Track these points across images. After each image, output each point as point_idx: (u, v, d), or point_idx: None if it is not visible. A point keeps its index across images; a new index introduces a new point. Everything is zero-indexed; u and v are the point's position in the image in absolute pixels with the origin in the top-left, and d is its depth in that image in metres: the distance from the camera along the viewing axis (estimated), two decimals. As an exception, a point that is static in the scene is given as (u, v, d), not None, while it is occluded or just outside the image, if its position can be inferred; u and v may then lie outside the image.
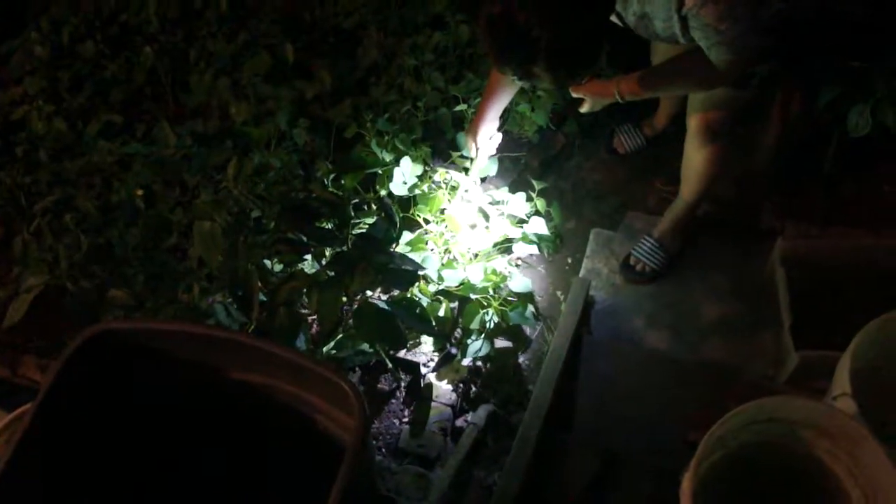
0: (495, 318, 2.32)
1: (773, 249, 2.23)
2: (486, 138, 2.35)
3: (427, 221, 2.51)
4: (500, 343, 2.33)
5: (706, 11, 1.57)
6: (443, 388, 2.27)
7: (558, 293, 2.49)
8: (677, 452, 1.86)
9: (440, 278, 2.35)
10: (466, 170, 2.54)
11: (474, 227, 2.50)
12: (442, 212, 2.51)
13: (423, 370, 2.33)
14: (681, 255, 2.45)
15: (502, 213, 2.54)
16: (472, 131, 2.35)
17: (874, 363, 1.77)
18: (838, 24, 2.15)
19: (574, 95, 2.03)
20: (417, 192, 2.52)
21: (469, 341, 2.29)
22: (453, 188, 2.53)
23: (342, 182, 2.49)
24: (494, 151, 2.46)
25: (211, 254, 1.97)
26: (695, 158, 2.18)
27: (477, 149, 2.40)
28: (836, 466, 1.63)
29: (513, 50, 1.55)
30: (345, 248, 2.08)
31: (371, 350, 2.22)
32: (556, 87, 1.77)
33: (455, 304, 2.38)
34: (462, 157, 2.56)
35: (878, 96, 2.14)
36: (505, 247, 2.52)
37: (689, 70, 1.81)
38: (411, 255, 2.29)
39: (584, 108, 2.05)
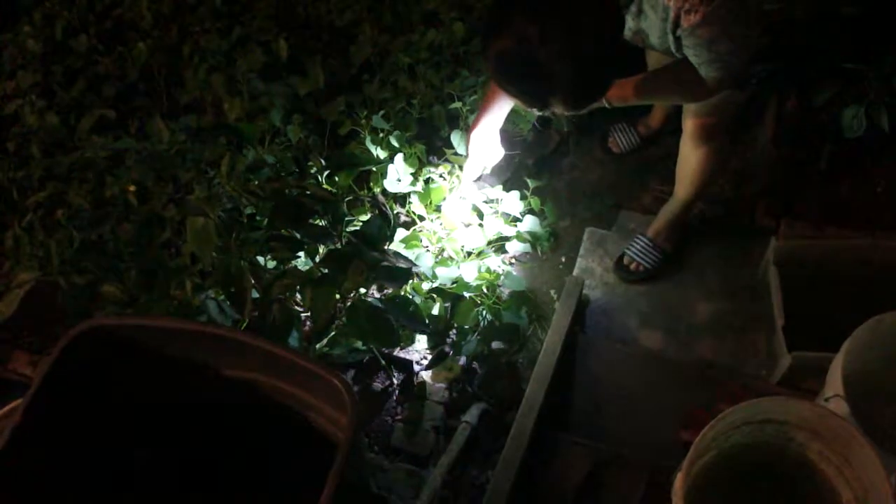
0: (489, 317, 2.32)
1: (768, 249, 2.23)
2: (483, 148, 2.33)
3: (421, 218, 2.51)
4: (494, 342, 2.33)
5: (702, 31, 1.57)
6: (436, 387, 2.27)
7: (552, 292, 2.49)
8: (670, 451, 1.87)
9: (434, 276, 2.34)
10: (461, 166, 2.54)
11: (469, 225, 2.49)
12: (438, 209, 2.50)
13: (417, 368, 2.33)
14: (675, 255, 2.45)
15: (496, 212, 2.54)
16: (467, 139, 2.33)
17: (867, 365, 1.77)
18: (832, 25, 2.16)
19: None
20: (412, 189, 2.52)
21: (462, 340, 2.29)
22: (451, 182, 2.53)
23: (336, 179, 2.48)
24: (490, 165, 2.44)
25: (204, 250, 1.96)
26: (690, 158, 2.18)
27: (468, 155, 2.37)
28: (828, 467, 1.64)
29: (529, 85, 1.52)
30: (338, 245, 2.07)
31: (364, 348, 2.22)
32: (570, 112, 1.75)
33: (449, 303, 2.38)
34: (456, 154, 2.55)
35: (872, 98, 2.15)
36: (499, 245, 2.52)
37: (678, 82, 1.81)
38: (405, 253, 2.29)
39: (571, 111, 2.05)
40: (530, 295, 2.44)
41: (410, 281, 2.29)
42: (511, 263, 2.56)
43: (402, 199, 2.57)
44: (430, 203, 2.51)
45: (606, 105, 1.91)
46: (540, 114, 2.53)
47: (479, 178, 2.54)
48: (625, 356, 2.28)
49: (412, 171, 2.52)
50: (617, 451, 2.01)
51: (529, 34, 1.40)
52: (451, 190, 2.53)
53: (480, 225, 2.50)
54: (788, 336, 2.01)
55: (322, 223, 2.18)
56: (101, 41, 3.17)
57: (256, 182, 2.29)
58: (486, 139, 2.28)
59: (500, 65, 1.49)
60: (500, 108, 2.23)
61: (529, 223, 2.54)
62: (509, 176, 2.73)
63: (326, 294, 1.95)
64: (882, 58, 2.16)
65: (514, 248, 2.53)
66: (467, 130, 2.30)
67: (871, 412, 1.69)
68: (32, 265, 2.12)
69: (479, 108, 2.26)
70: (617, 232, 2.58)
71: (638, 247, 2.44)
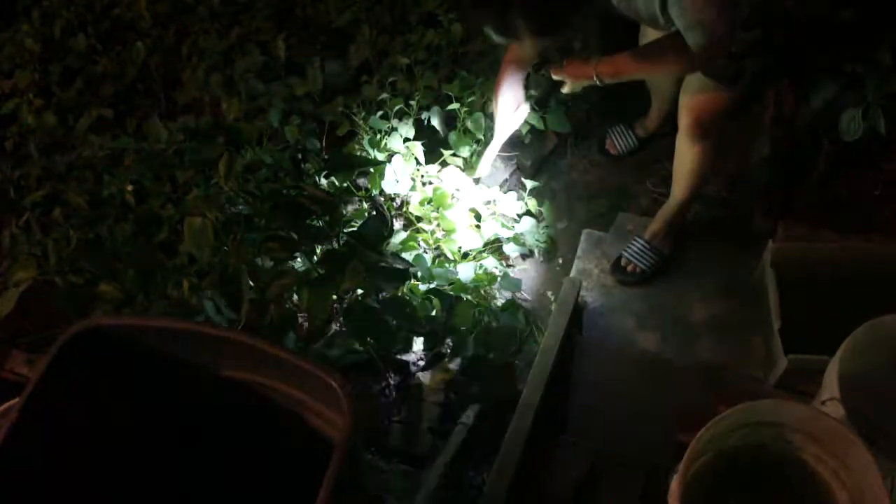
0: (486, 318, 2.32)
1: (765, 252, 2.23)
2: (511, 106, 2.33)
3: (419, 220, 2.51)
4: (491, 343, 2.32)
5: None
6: (433, 388, 2.27)
7: (549, 293, 2.49)
8: (667, 453, 1.87)
9: (431, 277, 2.34)
10: (459, 168, 2.54)
11: (466, 227, 2.49)
12: (437, 209, 2.50)
13: (413, 369, 2.33)
14: (672, 257, 2.46)
15: (494, 213, 2.54)
16: (494, 95, 2.33)
17: (864, 368, 1.77)
18: (829, 26, 2.16)
19: (554, 78, 2.03)
20: (410, 190, 2.52)
21: (460, 341, 2.29)
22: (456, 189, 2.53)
23: (334, 180, 2.48)
24: (521, 122, 2.44)
25: (201, 250, 1.96)
26: (686, 157, 2.18)
27: (497, 114, 2.36)
28: (825, 470, 1.64)
29: (495, 8, 1.55)
30: (336, 245, 2.07)
31: (361, 349, 2.21)
32: (540, 45, 1.77)
33: (446, 305, 2.37)
34: (454, 155, 2.55)
35: (870, 100, 2.15)
36: (496, 246, 2.52)
37: (666, 52, 1.80)
38: (402, 254, 2.29)
39: (565, 90, 2.05)
40: (527, 296, 2.44)
41: (407, 282, 2.29)
42: (508, 265, 2.56)
43: (399, 199, 2.57)
44: (432, 203, 2.51)
45: (598, 82, 1.91)
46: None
47: (477, 181, 2.55)
48: (622, 358, 2.28)
49: (410, 172, 2.52)
50: (614, 452, 2.01)
51: None
52: (457, 187, 2.52)
53: (478, 226, 2.50)
54: (785, 338, 2.01)
55: (319, 224, 2.18)
56: (100, 41, 3.17)
57: (254, 182, 2.30)
58: (512, 94, 2.29)
59: None
60: (521, 65, 2.24)
61: (527, 225, 2.54)
62: (507, 177, 2.73)
63: (323, 294, 1.95)
64: (879, 60, 2.16)
65: (512, 249, 2.53)
66: (494, 87, 2.30)
67: (867, 415, 1.69)
68: (30, 264, 2.12)
69: (500, 67, 2.27)
70: (614, 234, 2.58)
71: (635, 248, 2.44)
